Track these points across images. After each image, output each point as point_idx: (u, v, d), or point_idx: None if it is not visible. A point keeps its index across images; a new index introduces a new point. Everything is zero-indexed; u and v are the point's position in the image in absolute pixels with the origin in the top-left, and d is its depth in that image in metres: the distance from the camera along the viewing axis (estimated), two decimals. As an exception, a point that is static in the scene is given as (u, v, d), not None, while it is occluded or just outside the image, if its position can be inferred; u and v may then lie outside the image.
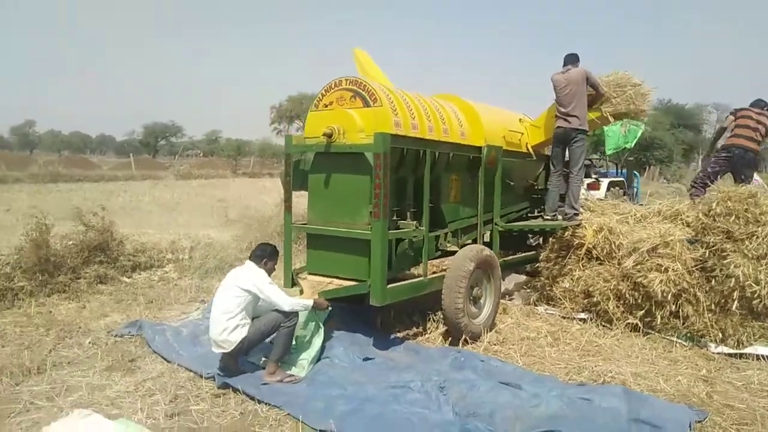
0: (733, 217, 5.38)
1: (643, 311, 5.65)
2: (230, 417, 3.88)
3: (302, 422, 3.75)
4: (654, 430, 3.64)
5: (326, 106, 5.33)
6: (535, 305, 6.55)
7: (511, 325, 5.91)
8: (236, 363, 4.57)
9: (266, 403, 4.03)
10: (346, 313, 5.79)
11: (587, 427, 3.70)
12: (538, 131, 7.08)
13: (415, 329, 5.81)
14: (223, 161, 42.78)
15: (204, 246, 8.14)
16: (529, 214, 7.52)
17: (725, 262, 5.27)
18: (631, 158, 25.40)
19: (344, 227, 5.14)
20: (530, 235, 7.75)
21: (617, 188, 13.14)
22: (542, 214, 7.04)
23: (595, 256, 6.19)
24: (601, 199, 8.96)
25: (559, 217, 6.60)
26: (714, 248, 5.43)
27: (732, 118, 6.81)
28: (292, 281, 5.52)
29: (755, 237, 5.26)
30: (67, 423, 3.44)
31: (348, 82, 5.21)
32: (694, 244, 5.63)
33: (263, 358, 4.72)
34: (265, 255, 4.71)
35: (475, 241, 6.29)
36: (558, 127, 6.40)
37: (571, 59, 6.51)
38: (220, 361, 4.62)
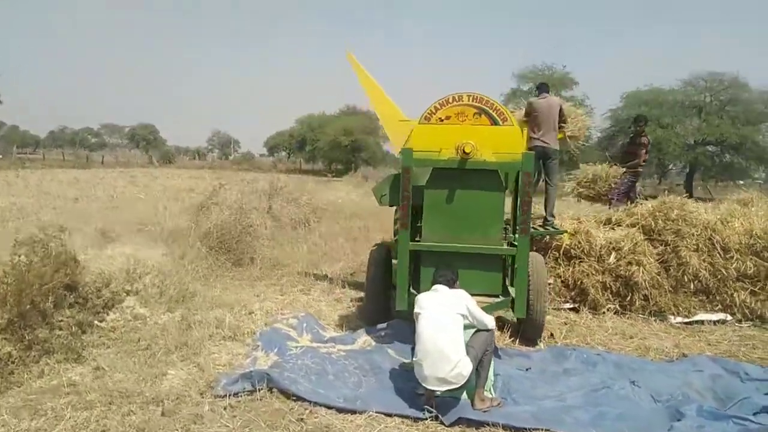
0: (681, 221, 7.28)
1: (628, 297, 7.14)
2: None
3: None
4: (775, 384, 4.97)
5: (441, 120, 5.23)
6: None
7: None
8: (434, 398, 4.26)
9: (526, 429, 3.98)
10: (406, 328, 5.77)
11: (739, 392, 4.79)
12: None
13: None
14: None
15: (153, 271, 6.48)
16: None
17: (683, 254, 7.12)
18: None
19: (474, 243, 5.17)
20: None
21: None
22: None
23: (575, 255, 7.43)
24: None
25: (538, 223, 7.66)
26: (669, 245, 7.25)
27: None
28: (408, 302, 5.22)
29: (692, 235, 7.25)
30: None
31: (470, 98, 5.23)
32: None
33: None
34: (454, 277, 4.52)
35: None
36: (536, 146, 7.41)
37: (546, 88, 7.65)
38: (421, 398, 4.25)
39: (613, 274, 7.21)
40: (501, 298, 5.20)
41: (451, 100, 5.23)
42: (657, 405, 4.49)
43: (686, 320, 7.04)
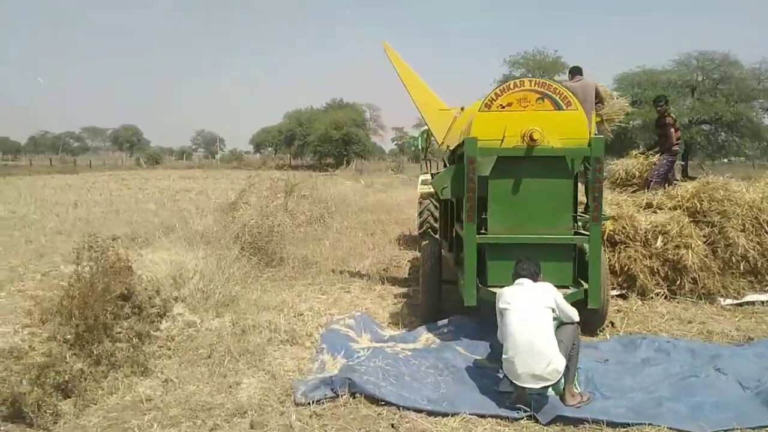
0: (726, 202, 7.18)
1: (678, 281, 7.02)
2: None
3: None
4: None
5: (503, 107, 5.05)
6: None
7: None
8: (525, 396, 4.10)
9: (629, 425, 3.83)
10: (469, 324, 5.64)
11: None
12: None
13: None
14: None
15: (196, 276, 6.24)
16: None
17: (731, 235, 7.01)
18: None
19: (542, 233, 5.01)
20: None
21: None
22: None
23: (619, 240, 7.30)
24: None
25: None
26: (716, 226, 7.14)
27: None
28: (477, 296, 5.05)
29: (737, 215, 7.15)
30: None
31: (532, 83, 5.06)
32: None
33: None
34: (538, 270, 4.36)
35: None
36: None
37: (579, 70, 7.49)
38: (510, 396, 4.09)
39: (661, 258, 7.08)
40: (572, 289, 5.03)
41: (512, 86, 5.05)
42: (746, 392, 4.36)
43: (736, 302, 6.94)
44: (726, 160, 39.37)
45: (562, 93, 5.02)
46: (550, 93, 5.01)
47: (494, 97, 5.05)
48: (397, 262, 9.43)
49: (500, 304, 4.18)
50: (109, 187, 26.58)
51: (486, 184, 5.07)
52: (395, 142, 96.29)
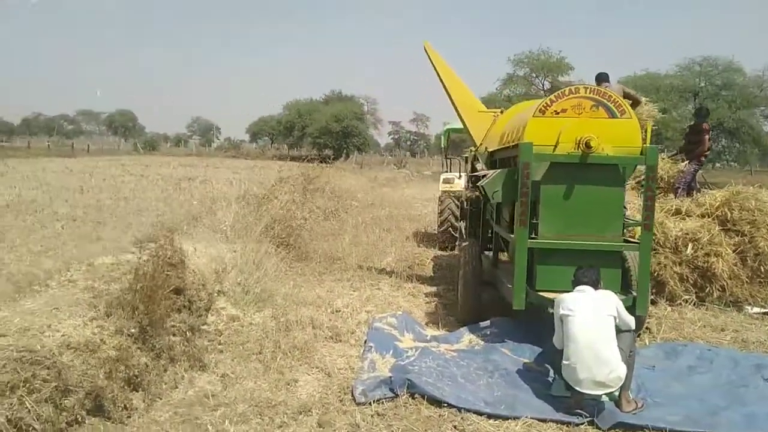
0: (756, 212, 7.26)
1: (707, 289, 7.10)
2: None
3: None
4: None
5: (557, 113, 5.07)
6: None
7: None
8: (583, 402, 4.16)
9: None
10: (512, 326, 5.68)
11: None
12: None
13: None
14: None
15: (235, 269, 6.24)
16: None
17: (761, 245, 7.10)
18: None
19: (591, 240, 5.06)
20: None
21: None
22: None
23: (649, 246, 7.36)
24: None
25: None
26: (746, 235, 7.23)
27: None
28: (526, 300, 5.08)
29: (766, 225, 7.23)
30: None
31: (587, 90, 5.09)
32: None
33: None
34: (599, 277, 4.39)
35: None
36: None
37: (605, 77, 7.50)
38: (565, 400, 4.15)
39: (690, 266, 7.16)
40: (620, 296, 5.07)
41: (567, 93, 5.08)
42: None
43: (763, 310, 7.04)
44: (719, 165, 39.68)
45: (617, 101, 5.05)
46: (604, 101, 5.04)
47: (549, 103, 5.08)
48: (419, 260, 9.45)
49: (561, 311, 4.21)
50: (111, 172, 26.29)
51: (537, 188, 5.10)
52: (392, 136, 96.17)
